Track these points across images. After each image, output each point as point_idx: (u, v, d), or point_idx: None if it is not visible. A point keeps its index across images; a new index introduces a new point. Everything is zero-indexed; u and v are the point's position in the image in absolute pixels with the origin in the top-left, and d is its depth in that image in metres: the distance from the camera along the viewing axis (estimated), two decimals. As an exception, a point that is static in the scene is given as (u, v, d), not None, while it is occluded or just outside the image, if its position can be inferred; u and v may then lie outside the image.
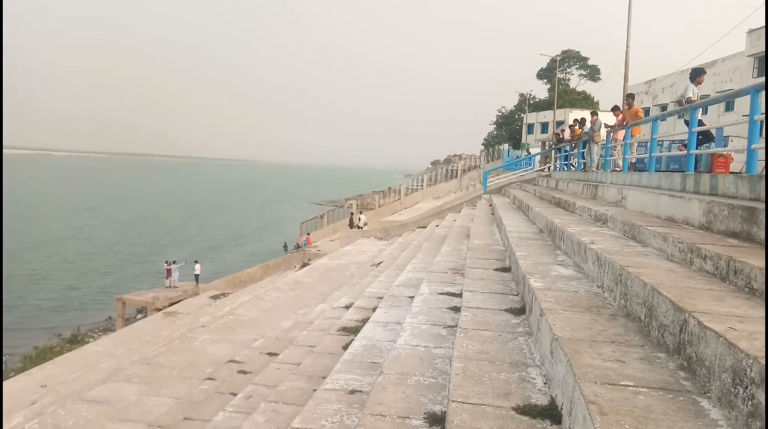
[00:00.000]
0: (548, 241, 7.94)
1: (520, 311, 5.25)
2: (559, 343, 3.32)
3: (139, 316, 28.34)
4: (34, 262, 44.78)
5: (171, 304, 25.64)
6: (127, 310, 27.15)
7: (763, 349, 2.32)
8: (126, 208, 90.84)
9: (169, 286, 28.47)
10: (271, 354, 8.42)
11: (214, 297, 25.66)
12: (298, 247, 34.65)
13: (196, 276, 30.04)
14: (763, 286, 3.32)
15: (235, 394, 6.73)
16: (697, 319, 2.85)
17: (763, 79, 10.34)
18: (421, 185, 45.79)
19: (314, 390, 5.54)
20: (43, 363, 18.69)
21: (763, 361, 2.16)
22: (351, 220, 32.34)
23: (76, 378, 12.90)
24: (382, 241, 23.18)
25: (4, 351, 25.45)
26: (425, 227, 21.08)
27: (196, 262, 31.49)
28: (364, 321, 7.92)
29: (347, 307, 9.77)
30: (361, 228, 28.77)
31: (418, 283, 8.46)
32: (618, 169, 12.90)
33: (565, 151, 21.13)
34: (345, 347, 6.89)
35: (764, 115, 6.25)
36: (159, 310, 25.15)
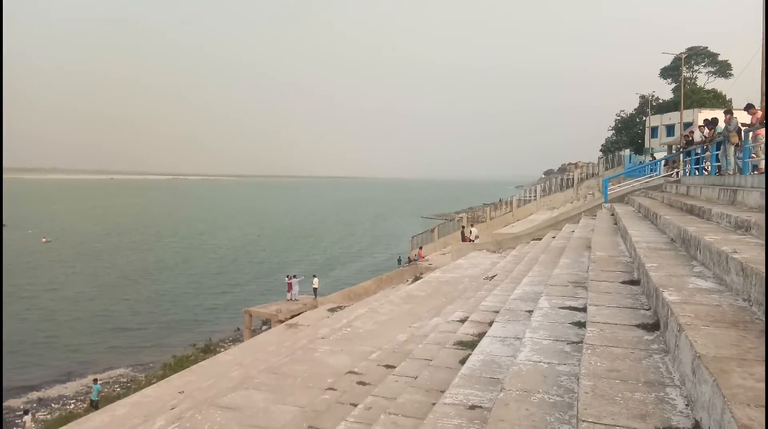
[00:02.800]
0: (681, 251, 7.32)
1: (653, 327, 4.87)
2: (703, 361, 3.03)
3: (264, 327, 29.98)
4: (179, 278, 49.15)
5: (292, 317, 26.87)
6: (253, 321, 28.82)
7: None
8: (250, 226, 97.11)
9: (291, 300, 29.85)
10: (388, 366, 8.52)
11: (332, 309, 26.55)
12: (410, 260, 34.93)
13: (315, 289, 31.25)
14: None
15: (355, 405, 6.87)
16: None
17: None
18: (534, 196, 44.38)
19: (433, 404, 5.51)
20: (180, 371, 20.37)
21: None
22: (462, 234, 32.06)
23: (210, 385, 13.89)
24: (494, 254, 22.71)
25: (145, 363, 28.10)
26: (540, 239, 20.35)
27: (315, 276, 32.79)
28: (481, 335, 7.78)
29: (462, 321, 9.66)
30: (473, 241, 28.38)
31: (536, 296, 8.17)
32: (759, 172, 11.63)
33: (696, 154, 19.44)
34: (462, 361, 6.80)
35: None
36: (282, 321, 26.47)
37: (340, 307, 26.71)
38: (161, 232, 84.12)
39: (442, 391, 5.73)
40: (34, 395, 23.19)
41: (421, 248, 35.01)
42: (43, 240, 68.83)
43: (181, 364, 24.99)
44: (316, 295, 30.88)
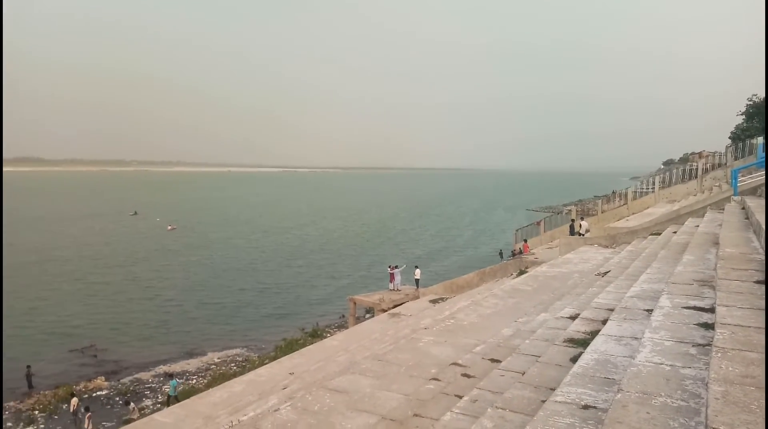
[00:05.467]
0: (830, 249, 6.53)
1: (796, 332, 4.40)
2: None
3: (368, 315, 30.70)
4: (287, 266, 51.73)
5: (395, 306, 27.25)
6: (357, 309, 29.62)
7: None
8: (354, 217, 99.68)
9: (393, 289, 30.30)
10: (493, 360, 8.40)
11: (434, 301, 26.59)
12: (514, 254, 34.07)
13: (417, 280, 31.46)
14: None
15: (460, 397, 6.86)
16: None
17: None
18: (652, 188, 41.43)
19: (543, 401, 5.36)
20: (290, 353, 21.41)
21: None
22: (571, 227, 30.66)
23: (318, 368, 14.47)
24: (607, 249, 21.57)
25: (258, 344, 29.77)
26: (659, 234, 19.01)
27: (417, 267, 33.01)
28: (593, 333, 7.43)
29: (572, 318, 9.28)
30: (583, 235, 27.06)
31: (655, 295, 7.66)
32: None
33: None
34: (573, 360, 6.54)
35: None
36: (384, 310, 26.95)
37: (442, 299, 26.69)
38: (271, 222, 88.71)
39: (552, 389, 5.56)
40: (161, 369, 25.44)
41: (526, 241, 33.97)
42: (169, 228, 75.16)
43: (290, 346, 26.26)
44: (417, 285, 31.09)
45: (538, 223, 42.34)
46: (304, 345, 25.24)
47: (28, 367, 22.97)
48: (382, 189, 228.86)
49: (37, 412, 20.61)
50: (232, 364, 25.75)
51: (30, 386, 22.44)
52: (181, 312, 34.90)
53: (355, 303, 29.01)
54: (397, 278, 30.68)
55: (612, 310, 7.97)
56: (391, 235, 75.04)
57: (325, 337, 26.11)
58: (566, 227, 33.74)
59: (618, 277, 11.87)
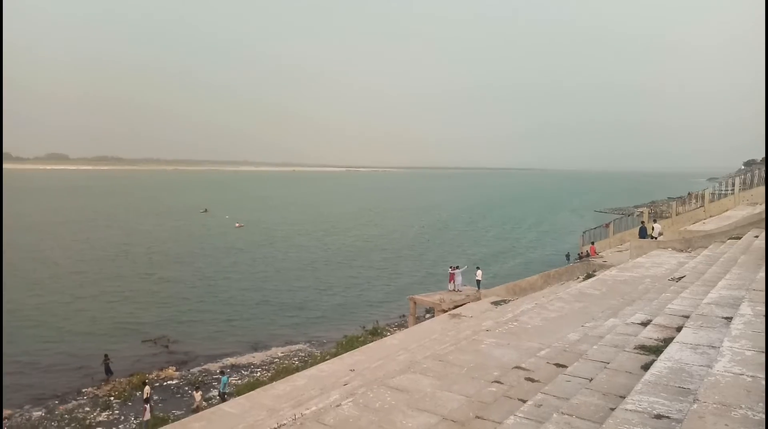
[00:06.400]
0: None
1: None
2: None
3: (428, 315, 30.63)
4: (348, 265, 52.42)
5: (455, 307, 27.05)
6: (417, 309, 29.59)
7: None
8: (414, 217, 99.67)
9: (453, 290, 30.06)
10: (558, 365, 8.17)
11: (495, 303, 26.20)
12: (581, 256, 33.07)
13: (478, 281, 31.07)
14: None
15: (524, 401, 6.71)
16: None
17: None
18: (732, 189, 39.09)
19: (611, 409, 5.17)
20: (351, 350, 21.66)
21: None
22: (642, 230, 29.40)
23: (379, 366, 14.56)
24: (682, 254, 20.55)
25: (320, 340, 30.26)
26: (739, 238, 17.92)
27: (478, 268, 32.61)
28: (666, 341, 7.10)
29: (644, 324, 8.90)
30: (655, 238, 25.90)
31: (735, 302, 7.24)
32: None
33: None
34: (645, 367, 6.28)
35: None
36: (444, 311, 26.79)
37: (504, 301, 26.26)
38: (332, 221, 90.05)
39: (622, 397, 5.35)
40: (228, 361, 26.35)
41: (593, 244, 32.92)
42: (236, 225, 77.77)
43: (351, 343, 26.57)
44: (479, 287, 30.71)
45: (607, 226, 40.95)
46: (364, 342, 25.48)
47: (106, 355, 24.33)
48: (442, 188, 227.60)
49: (112, 398, 21.83)
50: (295, 359, 26.34)
51: (108, 373, 23.77)
52: (246, 307, 36.04)
53: (415, 303, 29.00)
54: (458, 279, 30.41)
55: (687, 316, 7.60)
56: (452, 235, 74.51)
57: (385, 336, 26.25)
58: (637, 230, 32.42)
59: (694, 283, 11.29)
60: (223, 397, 20.14)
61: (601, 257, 29.30)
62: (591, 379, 6.55)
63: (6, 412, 20.42)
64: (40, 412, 20.60)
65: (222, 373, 22.62)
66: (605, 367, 6.85)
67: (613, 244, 36.40)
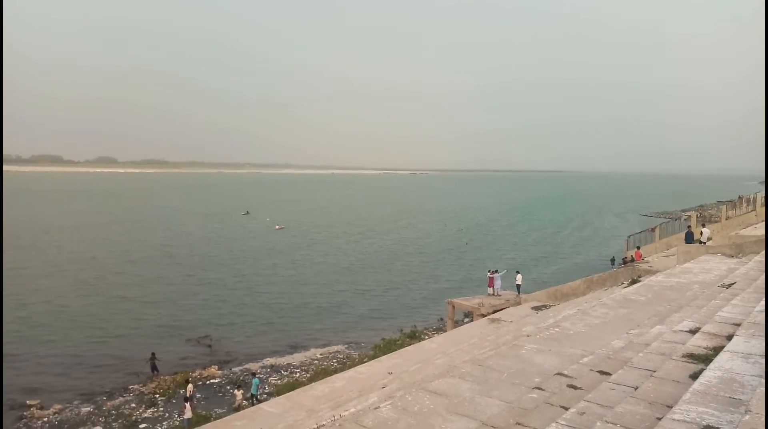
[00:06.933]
0: None
1: None
2: None
3: (466, 319, 30.38)
4: (386, 267, 52.52)
5: (494, 311, 26.75)
6: (455, 313, 29.37)
7: None
8: (453, 220, 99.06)
9: (492, 294, 29.72)
10: (602, 372, 7.98)
11: (536, 308, 25.79)
12: (625, 261, 32.21)
13: (518, 286, 30.65)
14: None
15: (566, 408, 6.58)
16: None
17: None
18: (787, 193, 37.42)
19: (658, 418, 5.03)
20: (389, 353, 21.68)
21: None
22: (689, 235, 28.42)
23: (417, 369, 14.54)
24: (732, 259, 19.79)
25: (357, 342, 30.35)
26: (795, 244, 17.15)
27: (518, 272, 32.16)
28: (716, 349, 6.86)
29: (692, 332, 8.61)
30: (704, 243, 24.99)
31: (792, 310, 6.92)
32: None
33: None
34: (693, 376, 6.08)
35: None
36: (483, 315, 26.53)
37: (545, 306, 25.82)
38: (371, 224, 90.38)
39: (669, 406, 5.19)
40: (268, 361, 26.74)
41: (639, 248, 31.98)
42: (276, 227, 78.95)
43: (389, 346, 26.59)
44: (519, 291, 30.29)
45: (653, 230, 39.77)
46: (402, 345, 25.46)
47: (153, 354, 25.01)
48: (480, 191, 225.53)
49: (157, 395, 22.45)
50: (333, 361, 26.52)
51: (153, 371, 24.43)
52: (285, 309, 36.51)
53: (453, 306, 28.80)
54: (497, 283, 30.06)
55: (738, 325, 7.32)
56: (491, 239, 73.74)
57: (423, 339, 26.16)
58: (683, 234, 31.42)
59: (745, 290, 10.86)
60: (254, 400, 20.22)
61: (647, 262, 28.48)
62: (636, 388, 6.38)
63: (56, 407, 21.25)
64: (88, 408, 21.34)
65: (254, 375, 22.69)
66: (651, 376, 6.65)
67: (660, 249, 35.31)
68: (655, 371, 6.81)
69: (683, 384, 5.93)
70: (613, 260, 41.40)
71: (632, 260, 30.73)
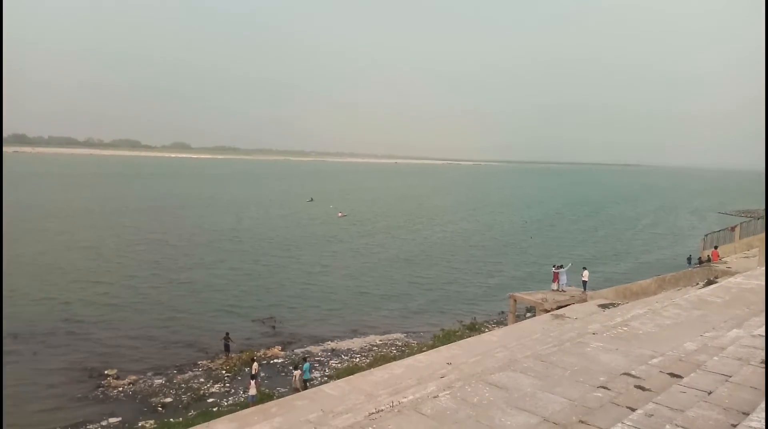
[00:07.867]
0: None
1: None
2: None
3: (528, 314, 29.84)
4: (446, 259, 52.34)
5: (558, 307, 26.14)
6: (517, 307, 28.92)
7: None
8: (518, 212, 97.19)
9: (557, 290, 29.04)
10: (673, 375, 7.67)
11: (603, 306, 25.02)
12: (701, 261, 30.65)
13: (584, 282, 29.79)
14: None
15: (633, 409, 6.39)
16: None
17: None
18: None
19: (733, 425, 4.80)
20: (448, 343, 21.66)
21: None
22: (773, 235, 26.66)
23: (476, 361, 14.45)
24: (822, 263, 18.41)
25: (417, 331, 30.44)
26: None
27: (585, 268, 31.25)
28: (802, 357, 6.43)
29: (774, 338, 8.11)
30: (790, 245, 23.38)
31: None
32: None
33: None
34: (774, 384, 5.73)
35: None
36: (547, 311, 25.99)
37: (612, 304, 25.01)
38: (432, 214, 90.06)
39: (746, 413, 4.95)
40: (329, 345, 27.33)
41: (716, 248, 30.35)
42: (339, 215, 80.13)
43: (448, 337, 26.55)
44: (585, 288, 29.45)
45: (733, 229, 37.59)
46: (461, 337, 25.36)
47: (227, 334, 26.03)
48: (547, 184, 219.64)
49: (224, 372, 23.47)
50: (393, 348, 26.76)
51: (226, 351, 25.45)
52: (346, 295, 37.12)
53: (515, 300, 28.37)
54: (563, 278, 29.33)
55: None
56: (557, 233, 71.85)
57: (483, 332, 25.93)
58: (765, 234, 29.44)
59: (837, 297, 10.09)
60: (306, 384, 20.08)
61: (725, 263, 26.99)
62: (710, 392, 6.10)
63: (131, 378, 22.61)
64: (160, 380, 22.58)
65: (305, 359, 22.42)
66: (727, 381, 6.34)
67: (739, 250, 33.35)
68: (731, 376, 6.49)
69: (761, 391, 5.62)
70: (689, 259, 39.46)
71: (708, 260, 29.23)
